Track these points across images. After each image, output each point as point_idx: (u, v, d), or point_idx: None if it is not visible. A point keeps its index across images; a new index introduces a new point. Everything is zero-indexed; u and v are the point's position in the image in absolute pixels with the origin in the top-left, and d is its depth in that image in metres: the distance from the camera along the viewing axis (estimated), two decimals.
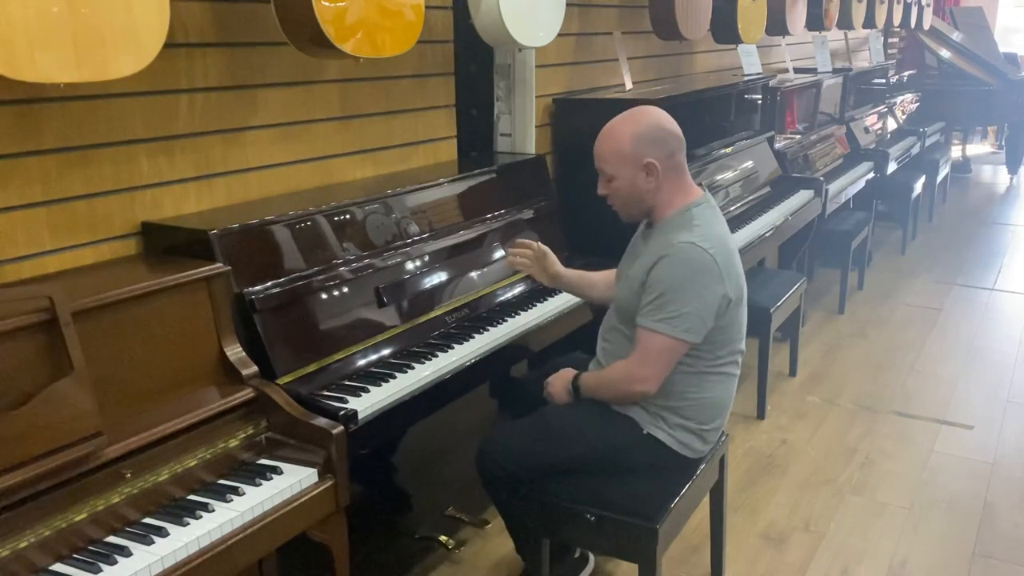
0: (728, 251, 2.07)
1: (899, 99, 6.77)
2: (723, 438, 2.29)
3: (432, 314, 2.39)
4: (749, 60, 4.52)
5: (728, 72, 4.76)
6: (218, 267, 1.90)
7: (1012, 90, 7.84)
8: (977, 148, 9.97)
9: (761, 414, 3.56)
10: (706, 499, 2.35)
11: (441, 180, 2.66)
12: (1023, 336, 4.45)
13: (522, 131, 3.36)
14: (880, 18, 6.09)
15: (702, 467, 2.18)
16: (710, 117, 3.94)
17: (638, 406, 2.11)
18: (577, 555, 2.50)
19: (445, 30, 2.96)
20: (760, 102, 4.41)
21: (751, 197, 3.93)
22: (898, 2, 6.52)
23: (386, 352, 2.21)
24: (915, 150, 6.24)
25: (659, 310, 1.99)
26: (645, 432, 2.10)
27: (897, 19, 6.57)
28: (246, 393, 1.84)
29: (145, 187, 2.11)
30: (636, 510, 2.03)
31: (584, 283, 2.45)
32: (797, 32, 4.83)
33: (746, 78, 4.29)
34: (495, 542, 2.64)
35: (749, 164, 4.04)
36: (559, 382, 2.23)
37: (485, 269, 2.64)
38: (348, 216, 2.32)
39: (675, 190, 2.10)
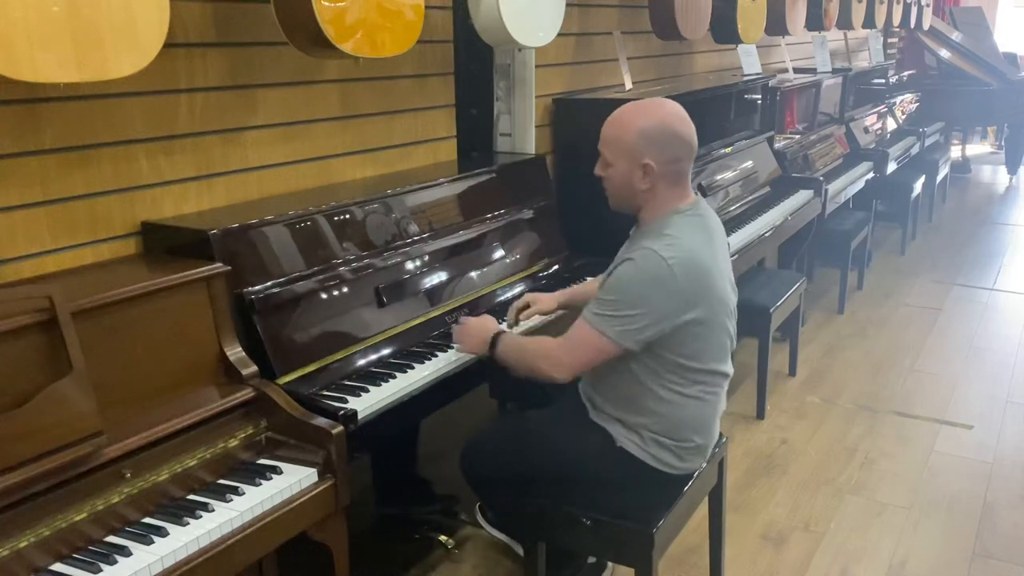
0: (698, 265, 1.93)
1: (899, 99, 6.77)
2: (722, 439, 2.29)
3: (432, 314, 2.39)
4: (749, 60, 4.52)
5: (728, 72, 4.76)
6: (218, 267, 1.89)
7: (1012, 90, 7.84)
8: (977, 148, 9.97)
9: (761, 414, 3.56)
10: (705, 499, 2.34)
11: (441, 180, 2.66)
12: (1023, 336, 4.45)
13: (522, 131, 3.36)
14: (880, 18, 6.09)
15: (703, 467, 2.17)
16: (710, 117, 3.94)
17: (617, 420, 2.06)
18: (594, 560, 2.50)
19: (445, 30, 2.96)
20: (760, 102, 4.41)
21: (751, 197, 3.93)
22: (898, 2, 6.52)
23: (386, 352, 2.21)
24: (915, 150, 6.24)
25: (601, 305, 1.94)
26: (618, 445, 2.06)
27: (897, 19, 6.57)
28: (246, 393, 1.84)
29: (145, 187, 2.11)
30: (632, 515, 2.02)
31: (579, 298, 2.39)
32: (797, 32, 4.83)
33: (746, 78, 4.29)
34: (495, 542, 2.64)
35: (749, 164, 4.04)
36: (476, 332, 2.15)
37: (485, 269, 2.64)
38: (348, 216, 2.32)
39: (669, 197, 1.99)
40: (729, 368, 2.10)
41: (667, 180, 1.98)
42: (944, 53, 8.00)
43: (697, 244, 1.96)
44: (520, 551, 2.47)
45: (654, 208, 2.00)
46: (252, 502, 1.67)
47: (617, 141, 1.98)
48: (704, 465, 2.16)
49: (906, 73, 7.43)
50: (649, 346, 1.95)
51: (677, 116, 1.99)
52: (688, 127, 1.99)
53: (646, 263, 1.90)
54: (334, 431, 1.79)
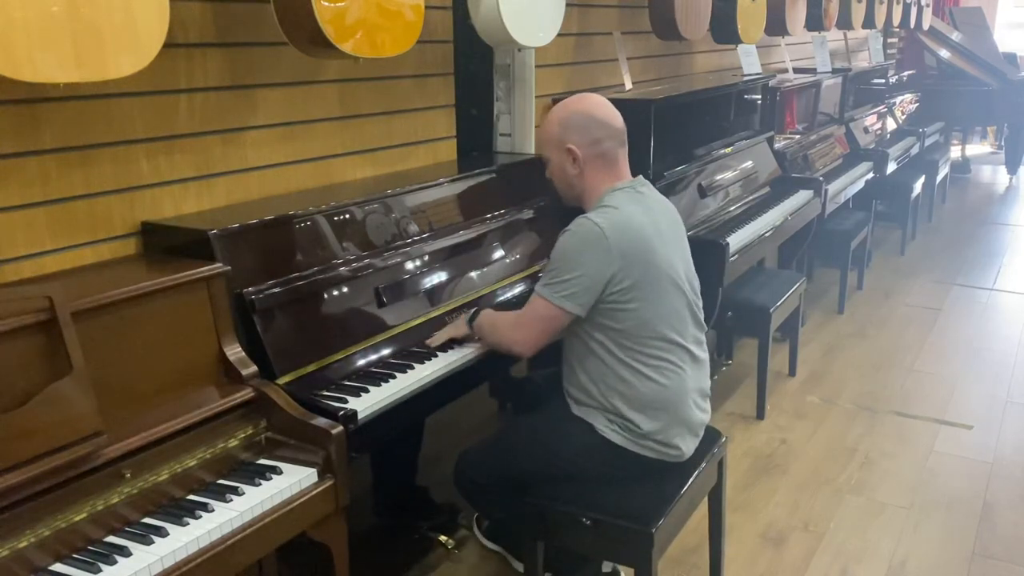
0: (631, 227, 2.01)
1: (899, 99, 6.77)
2: (722, 440, 2.29)
3: (432, 314, 2.38)
4: (749, 60, 4.52)
5: (728, 72, 4.76)
6: (218, 267, 1.89)
7: (1012, 90, 7.84)
8: (976, 148, 9.97)
9: (761, 414, 3.56)
10: (705, 499, 2.34)
11: (441, 180, 2.66)
12: (1023, 336, 4.45)
13: (522, 131, 3.36)
14: (879, 18, 6.10)
15: (702, 466, 2.17)
16: (709, 117, 3.94)
17: (594, 409, 2.09)
18: (610, 570, 2.50)
19: (445, 30, 2.96)
20: (760, 102, 4.41)
21: (751, 197, 3.93)
22: (897, 2, 6.52)
23: (386, 352, 2.20)
24: (914, 150, 6.24)
25: (545, 275, 2.05)
26: (601, 435, 2.07)
27: (896, 19, 6.58)
28: (246, 393, 1.84)
29: (145, 187, 2.11)
30: (631, 514, 2.02)
31: None
32: (797, 32, 4.84)
33: (746, 78, 4.29)
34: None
35: (749, 164, 4.04)
36: (458, 322, 2.28)
37: (485, 269, 2.64)
38: (348, 216, 2.32)
39: (602, 180, 2.12)
40: (690, 343, 2.10)
41: (595, 163, 2.11)
42: (944, 53, 8.01)
43: (632, 211, 2.06)
44: (518, 566, 2.47)
45: (591, 194, 2.13)
46: (252, 502, 1.67)
47: (546, 137, 2.16)
48: (696, 453, 2.16)
49: (906, 73, 7.43)
50: (594, 316, 2.02)
51: (594, 102, 2.15)
52: (605, 110, 2.13)
53: (580, 229, 2.03)
54: (334, 431, 1.79)
